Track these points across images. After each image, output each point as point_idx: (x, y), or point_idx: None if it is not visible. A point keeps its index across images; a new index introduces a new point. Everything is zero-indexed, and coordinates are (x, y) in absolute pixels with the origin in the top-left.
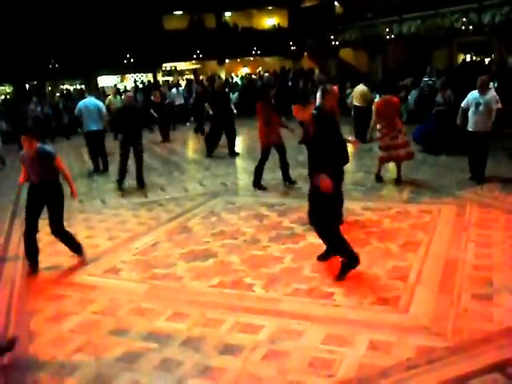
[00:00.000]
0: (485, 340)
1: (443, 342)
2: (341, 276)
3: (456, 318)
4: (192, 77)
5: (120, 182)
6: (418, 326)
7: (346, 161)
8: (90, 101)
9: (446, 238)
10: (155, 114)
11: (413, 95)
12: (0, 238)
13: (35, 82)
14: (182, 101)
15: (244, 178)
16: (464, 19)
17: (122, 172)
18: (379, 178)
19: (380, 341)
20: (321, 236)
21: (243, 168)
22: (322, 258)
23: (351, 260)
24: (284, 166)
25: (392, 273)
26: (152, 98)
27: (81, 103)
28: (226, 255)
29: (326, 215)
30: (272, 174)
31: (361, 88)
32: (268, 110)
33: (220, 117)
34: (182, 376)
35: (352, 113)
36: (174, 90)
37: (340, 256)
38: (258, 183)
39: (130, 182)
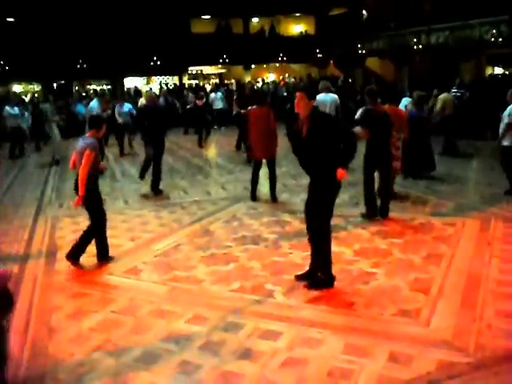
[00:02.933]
0: (508, 358)
1: (465, 357)
2: (311, 286)
3: (479, 334)
4: (218, 81)
5: (142, 174)
6: (439, 340)
7: (340, 164)
8: (94, 103)
9: (470, 251)
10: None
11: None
12: (24, 233)
13: (63, 82)
14: (221, 105)
15: (267, 184)
16: (494, 31)
17: (145, 168)
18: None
19: (400, 353)
20: (312, 238)
21: (266, 174)
22: (303, 277)
23: (329, 279)
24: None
25: (414, 285)
26: (196, 101)
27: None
28: (247, 260)
29: (324, 214)
30: (295, 181)
31: (445, 96)
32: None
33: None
34: (200, 379)
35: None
36: (213, 94)
37: (319, 271)
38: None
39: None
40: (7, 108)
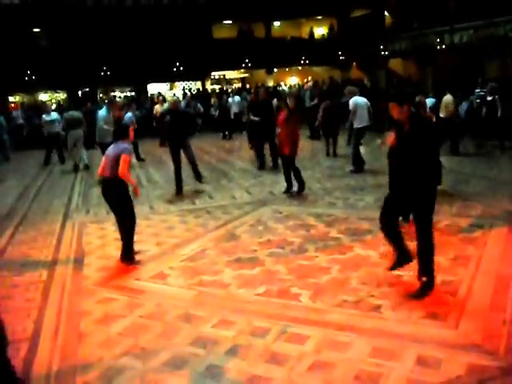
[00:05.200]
0: None
1: (495, 361)
2: (420, 295)
3: (509, 337)
4: (240, 85)
5: (178, 187)
6: (468, 343)
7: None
8: (103, 111)
9: (498, 254)
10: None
11: (463, 107)
12: (52, 239)
13: (87, 89)
14: (237, 110)
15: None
16: None
17: (178, 178)
18: None
19: (428, 356)
20: (419, 232)
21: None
22: (398, 265)
23: (432, 278)
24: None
25: (441, 287)
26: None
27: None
28: (272, 264)
29: (429, 213)
30: (319, 184)
31: (446, 98)
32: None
33: None
34: (227, 383)
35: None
36: (230, 99)
37: (423, 269)
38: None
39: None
40: (44, 116)
